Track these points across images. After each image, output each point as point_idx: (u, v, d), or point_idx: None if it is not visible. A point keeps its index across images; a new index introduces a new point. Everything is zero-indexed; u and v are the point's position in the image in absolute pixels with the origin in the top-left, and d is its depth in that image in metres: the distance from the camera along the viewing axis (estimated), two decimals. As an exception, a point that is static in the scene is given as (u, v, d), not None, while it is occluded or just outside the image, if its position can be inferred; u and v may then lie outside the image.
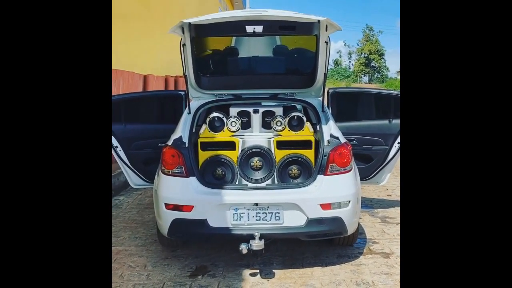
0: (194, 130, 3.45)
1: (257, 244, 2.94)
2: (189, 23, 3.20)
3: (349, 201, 3.13)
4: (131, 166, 3.98)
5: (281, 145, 3.46)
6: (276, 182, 3.39)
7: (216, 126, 3.53)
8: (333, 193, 3.12)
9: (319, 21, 3.15)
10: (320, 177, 3.14)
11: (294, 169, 3.40)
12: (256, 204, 3.08)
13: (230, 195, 3.11)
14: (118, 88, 6.73)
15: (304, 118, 3.53)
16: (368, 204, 4.99)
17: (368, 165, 4.10)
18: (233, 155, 3.43)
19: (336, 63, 62.10)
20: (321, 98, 3.75)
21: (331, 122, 3.47)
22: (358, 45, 62.17)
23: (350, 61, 63.77)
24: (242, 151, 3.44)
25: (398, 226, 4.09)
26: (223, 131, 3.53)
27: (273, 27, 3.28)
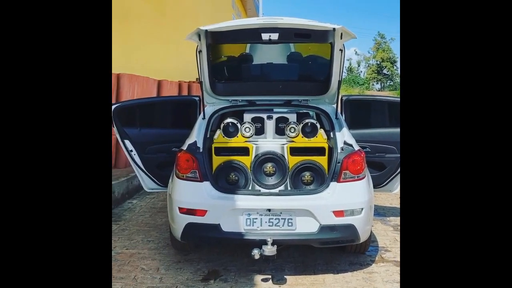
0: (208, 135, 3.49)
1: (270, 250, 2.95)
2: (206, 30, 3.25)
3: (362, 209, 3.13)
4: (145, 170, 4.03)
5: (294, 151, 3.48)
6: (289, 188, 3.40)
7: (230, 131, 3.57)
8: (346, 200, 3.12)
9: (334, 29, 3.17)
10: (333, 184, 3.15)
11: (307, 175, 3.42)
12: (269, 210, 3.10)
13: (243, 200, 3.13)
14: (133, 93, 6.82)
15: (318, 125, 3.55)
16: (380, 212, 4.96)
17: (381, 172, 4.09)
18: (246, 161, 3.46)
19: (350, 70, 61.91)
20: (335, 105, 3.76)
21: (345, 129, 3.48)
22: (369, 53, 62.01)
23: (359, 69, 63.57)
24: (255, 156, 3.47)
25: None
26: (237, 136, 3.57)
27: (288, 34, 3.31)
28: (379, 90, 55.93)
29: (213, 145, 3.49)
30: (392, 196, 5.52)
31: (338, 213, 3.07)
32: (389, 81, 59.93)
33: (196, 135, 3.42)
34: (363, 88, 49.59)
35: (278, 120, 3.68)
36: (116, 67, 6.01)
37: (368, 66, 61.17)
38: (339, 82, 3.60)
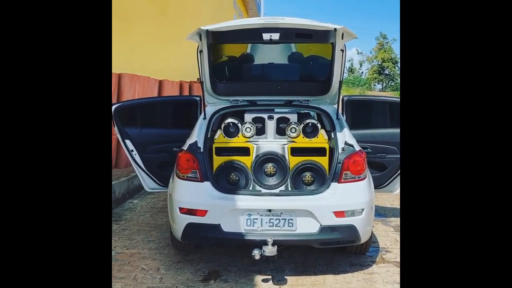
0: (209, 135, 3.48)
1: (270, 250, 2.95)
2: (207, 30, 3.24)
3: (363, 209, 3.12)
4: (146, 170, 4.03)
5: (295, 151, 3.47)
6: (289, 188, 3.40)
7: (231, 131, 3.57)
8: (347, 200, 3.12)
9: (335, 29, 3.17)
10: (334, 185, 3.14)
11: (308, 176, 3.41)
12: (270, 210, 3.09)
13: (243, 201, 3.12)
14: (134, 92, 6.82)
15: (319, 125, 3.54)
16: (381, 212, 4.95)
17: (382, 173, 4.08)
18: (247, 161, 3.45)
19: (351, 71, 61.84)
20: (336, 106, 3.76)
21: (346, 130, 3.47)
22: (371, 53, 61.93)
23: (361, 70, 63.52)
24: (256, 157, 3.46)
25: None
26: (238, 136, 3.57)
27: (289, 34, 3.31)
28: (380, 91, 55.89)
29: (214, 145, 3.49)
30: (393, 196, 5.51)
31: (339, 214, 3.07)
32: (390, 81, 59.85)
33: (197, 135, 3.42)
34: (364, 88, 49.55)
35: (279, 120, 3.67)
36: (117, 67, 6.01)
37: (371, 66, 61.09)
38: (340, 83, 3.59)
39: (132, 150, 3.97)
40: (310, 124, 3.53)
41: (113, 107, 3.89)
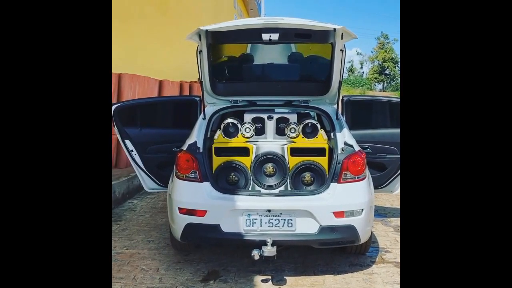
0: (208, 136, 3.48)
1: (269, 251, 2.94)
2: (206, 30, 3.24)
3: (363, 210, 3.12)
4: (145, 170, 4.03)
5: (294, 152, 3.47)
6: (289, 188, 3.40)
7: (231, 132, 3.57)
8: (347, 201, 3.11)
9: (335, 29, 3.17)
10: (333, 185, 3.14)
11: (307, 176, 3.41)
12: (269, 211, 3.09)
13: (243, 201, 3.12)
14: (134, 92, 6.82)
15: (318, 126, 3.54)
16: (381, 213, 4.95)
17: (382, 173, 4.08)
18: (246, 161, 3.45)
19: (351, 71, 61.86)
20: (335, 106, 3.75)
21: (345, 130, 3.47)
22: (372, 53, 61.96)
23: (362, 70, 63.59)
24: (255, 157, 3.46)
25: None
26: (237, 137, 3.57)
27: (289, 35, 3.31)
28: (381, 91, 55.90)
29: (213, 145, 3.49)
30: (393, 196, 5.51)
31: (338, 214, 3.06)
32: (391, 81, 59.86)
33: (196, 135, 3.42)
34: (364, 88, 49.57)
35: (279, 121, 3.67)
36: (118, 67, 6.01)
37: (371, 67, 61.11)
38: (340, 83, 3.59)
39: (132, 150, 3.97)
40: (309, 124, 3.53)
41: (113, 107, 3.89)
